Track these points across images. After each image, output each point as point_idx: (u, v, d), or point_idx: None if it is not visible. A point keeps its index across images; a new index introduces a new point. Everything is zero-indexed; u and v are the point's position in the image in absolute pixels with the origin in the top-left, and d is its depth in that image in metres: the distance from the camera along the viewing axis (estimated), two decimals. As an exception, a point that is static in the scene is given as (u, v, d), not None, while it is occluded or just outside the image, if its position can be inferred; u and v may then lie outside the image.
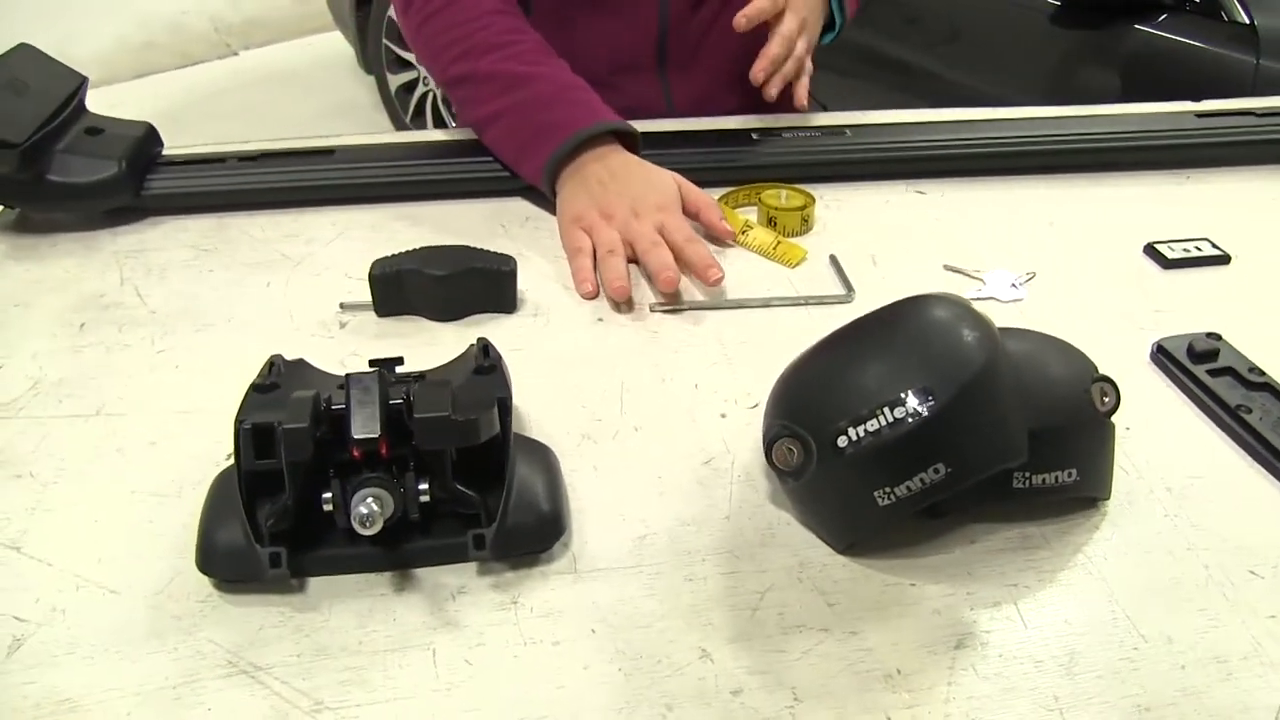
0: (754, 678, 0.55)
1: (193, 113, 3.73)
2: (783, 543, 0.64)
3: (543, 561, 0.62)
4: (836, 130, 1.06)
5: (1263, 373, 0.77)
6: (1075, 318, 0.85)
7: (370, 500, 0.58)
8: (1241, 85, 1.31)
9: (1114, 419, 0.66)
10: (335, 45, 3.88)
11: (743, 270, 0.90)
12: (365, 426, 0.58)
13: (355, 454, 0.59)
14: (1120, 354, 0.80)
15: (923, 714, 0.54)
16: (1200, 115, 1.12)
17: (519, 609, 0.59)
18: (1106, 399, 0.66)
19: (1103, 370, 0.66)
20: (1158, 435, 0.73)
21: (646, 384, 0.77)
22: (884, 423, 0.58)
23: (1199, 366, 0.78)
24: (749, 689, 0.55)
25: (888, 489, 0.59)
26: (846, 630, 0.58)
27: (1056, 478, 0.63)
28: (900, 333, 0.62)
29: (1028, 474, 0.62)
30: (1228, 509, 0.67)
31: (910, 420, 0.58)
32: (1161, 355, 0.80)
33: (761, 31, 1.04)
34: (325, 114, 3.65)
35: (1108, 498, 0.67)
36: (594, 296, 0.86)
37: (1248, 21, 1.67)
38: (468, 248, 0.85)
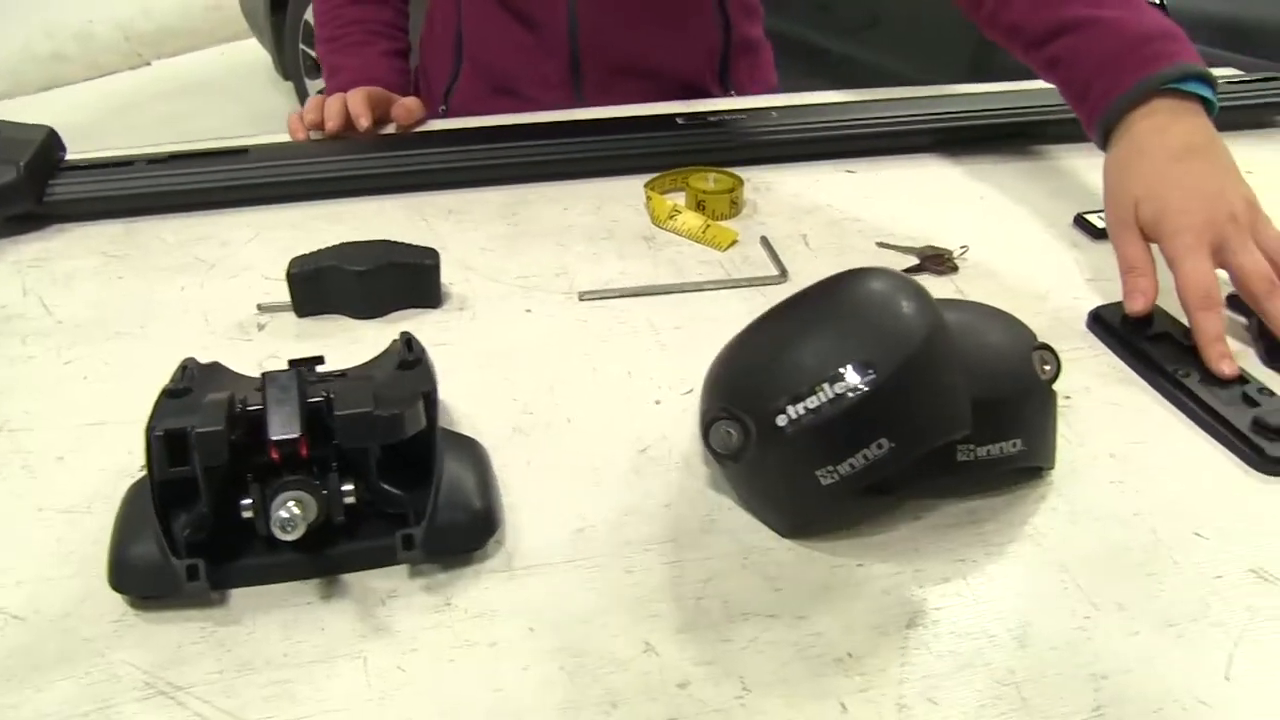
0: (701, 669, 0.53)
1: (106, 125, 3.65)
2: (725, 529, 0.62)
3: (476, 560, 0.60)
4: (763, 112, 1.04)
5: (1200, 337, 0.76)
6: (1009, 289, 0.84)
7: (291, 504, 0.55)
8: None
9: (1056, 389, 0.64)
10: (251, 52, 3.81)
11: (673, 255, 0.88)
12: (284, 426, 0.56)
13: (274, 456, 0.56)
14: (1055, 324, 0.80)
15: (876, 696, 0.52)
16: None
17: (453, 611, 0.57)
18: (1048, 367, 0.64)
19: (1046, 338, 0.65)
20: (1098, 403, 0.72)
21: (577, 374, 0.74)
22: (824, 399, 0.56)
23: (1135, 333, 0.77)
24: (696, 680, 0.53)
25: (830, 467, 0.57)
26: (794, 615, 0.56)
27: (1001, 449, 0.61)
28: (837, 307, 0.61)
29: (972, 446, 0.61)
30: (1171, 473, 0.66)
31: (851, 395, 0.56)
32: (1097, 323, 0.79)
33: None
34: (244, 122, 3.58)
35: (1052, 467, 0.66)
36: None
37: (1158, 2, 1.69)
38: (388, 242, 0.82)
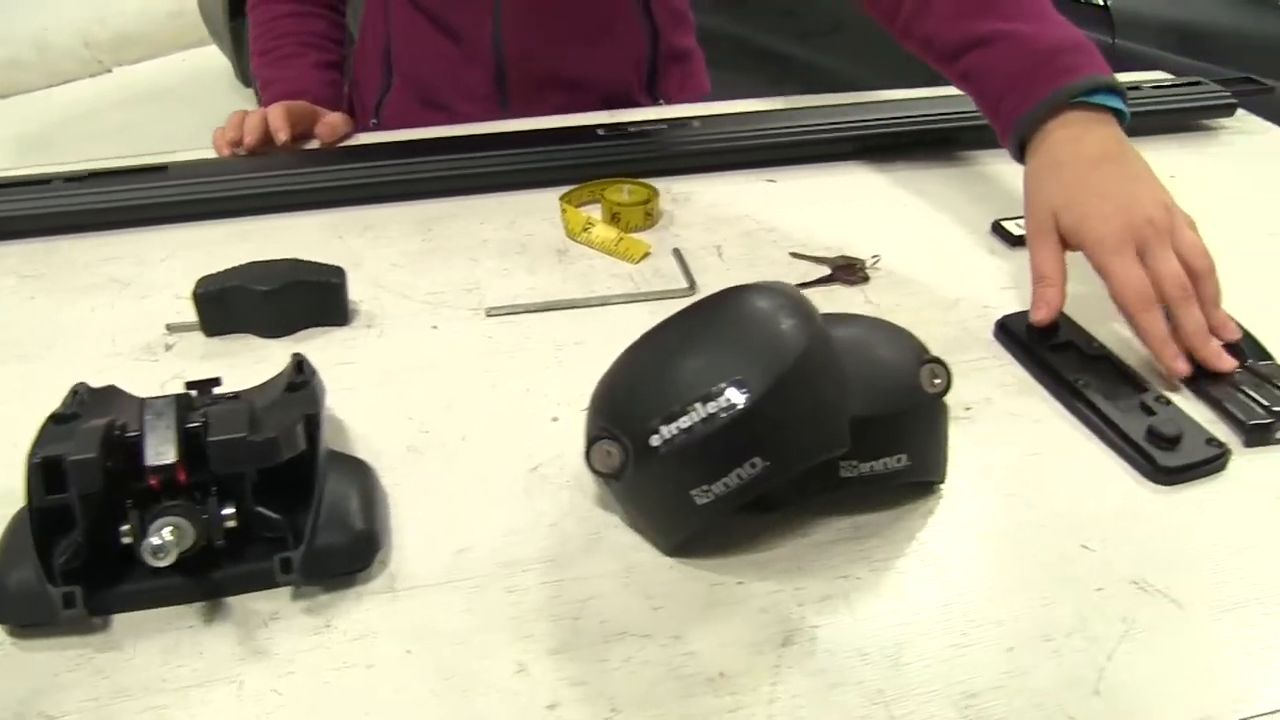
0: (572, 689, 0.53)
1: (65, 133, 3.61)
2: (609, 547, 0.62)
3: (359, 581, 0.60)
4: (684, 122, 1.04)
5: (1103, 346, 0.77)
6: (919, 298, 0.85)
7: (165, 530, 0.55)
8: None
9: (956, 401, 0.65)
10: (213, 59, 3.78)
11: (584, 269, 0.88)
12: (159, 453, 0.56)
13: (153, 482, 0.56)
14: (963, 333, 0.80)
15: (745, 716, 0.52)
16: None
17: (332, 633, 0.57)
18: (937, 381, 0.64)
19: (946, 350, 0.65)
20: (998, 414, 0.72)
21: (478, 391, 0.74)
22: (696, 419, 0.56)
23: (1040, 342, 0.77)
24: (566, 702, 0.53)
25: (705, 487, 0.57)
26: (670, 635, 0.56)
27: (886, 464, 0.61)
28: (717, 324, 0.61)
29: (855, 463, 0.61)
30: (1063, 485, 0.66)
31: (723, 415, 0.56)
32: (1003, 333, 0.79)
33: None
34: (205, 129, 3.54)
35: (943, 481, 0.66)
36: None
37: (1102, 3, 1.71)
38: (296, 261, 0.82)
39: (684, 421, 0.56)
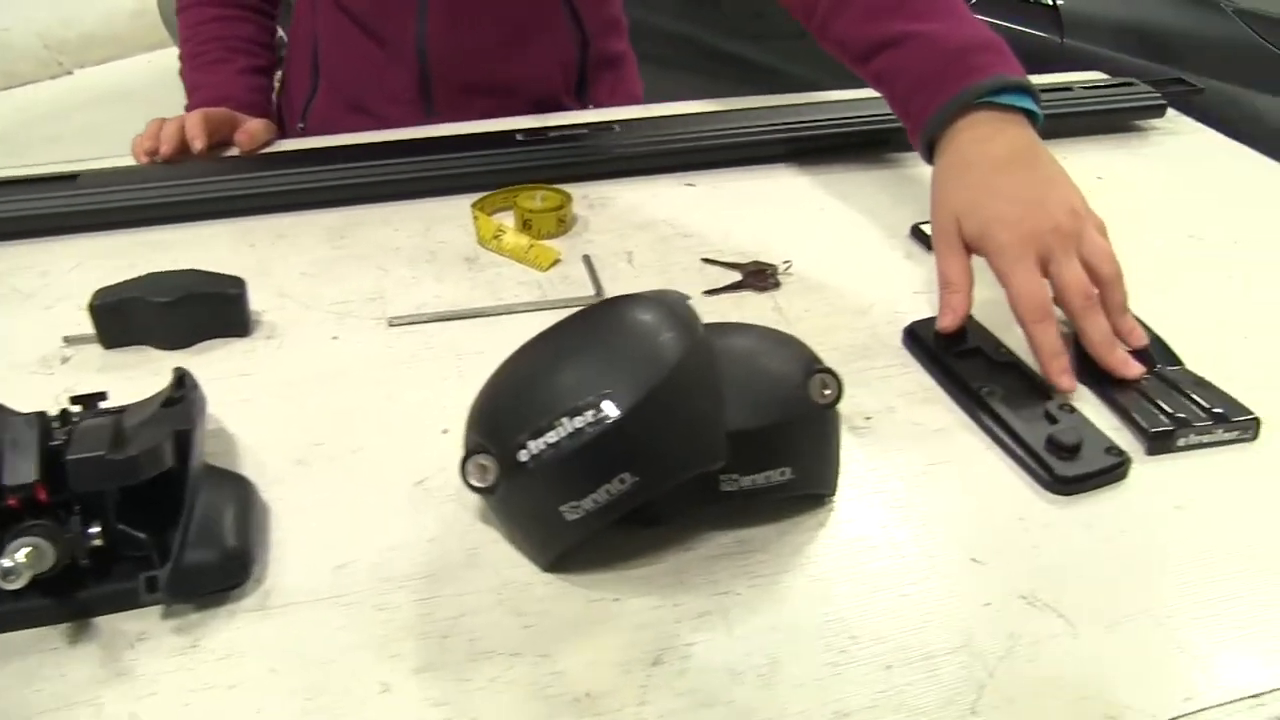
0: (434, 710, 0.52)
1: (24, 135, 3.57)
2: (487, 563, 0.60)
3: (233, 599, 0.58)
4: (606, 127, 1.03)
5: (1011, 353, 0.76)
6: (830, 304, 0.83)
7: (20, 552, 0.53)
8: (1047, 63, 1.31)
9: (856, 410, 0.64)
10: (175, 60, 3.74)
11: (492, 277, 0.87)
12: (17, 473, 0.54)
13: (12, 502, 0.55)
14: (872, 340, 0.79)
15: (609, 738, 0.51)
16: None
17: (198, 652, 0.55)
18: (827, 391, 0.63)
19: (852, 357, 0.64)
20: (899, 423, 0.71)
21: (373, 402, 0.73)
22: (564, 433, 0.55)
23: (947, 349, 0.76)
24: (427, 724, 0.52)
25: (574, 503, 0.56)
26: (539, 653, 0.55)
27: (768, 478, 0.60)
28: (592, 336, 0.60)
29: (736, 476, 0.60)
30: (959, 496, 0.65)
31: (590, 429, 0.55)
32: (911, 339, 0.78)
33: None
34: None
35: (833, 493, 0.64)
36: None
37: (1051, 3, 1.70)
38: (196, 271, 0.81)
39: (551, 436, 0.55)
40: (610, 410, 0.55)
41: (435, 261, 0.89)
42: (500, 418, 0.59)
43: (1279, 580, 0.59)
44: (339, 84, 1.20)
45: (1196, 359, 0.76)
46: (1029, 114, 0.85)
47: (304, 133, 1.23)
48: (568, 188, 0.97)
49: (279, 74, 1.30)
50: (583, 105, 1.25)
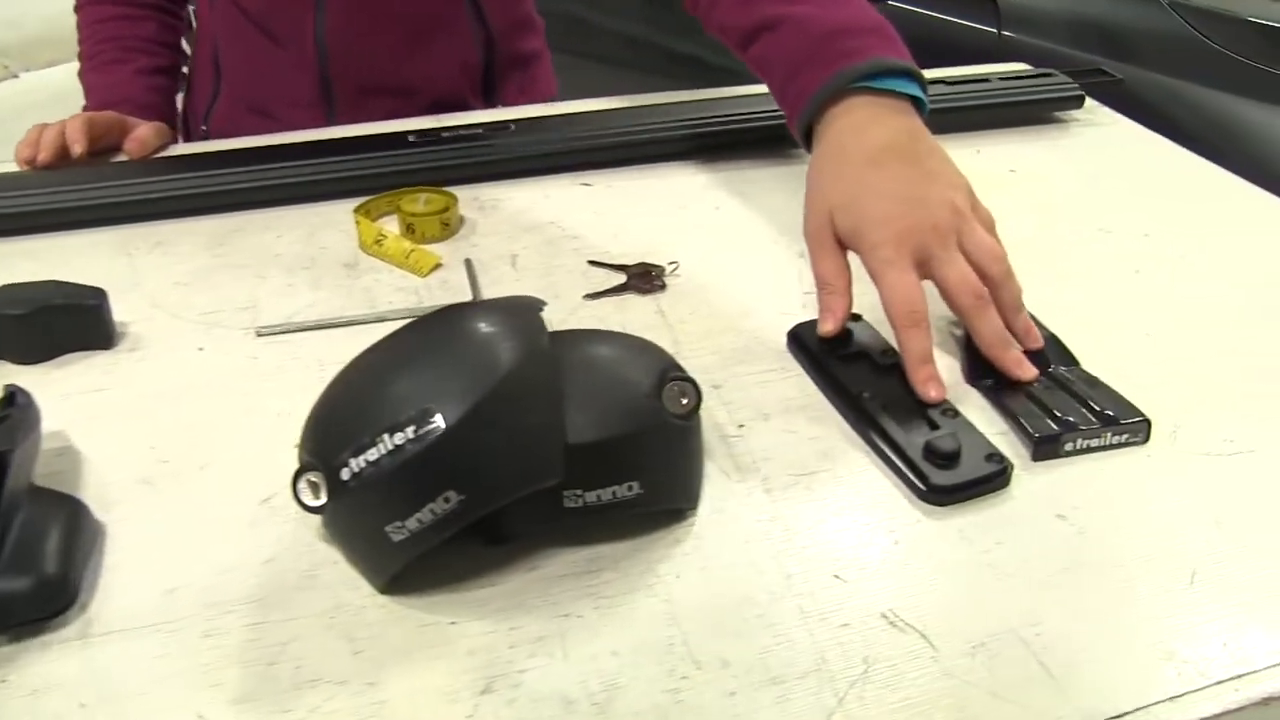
0: (246, 745, 0.49)
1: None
2: (324, 585, 0.57)
3: (51, 629, 0.55)
4: (501, 127, 1.00)
5: (897, 355, 0.73)
6: (714, 307, 0.81)
7: None
8: (984, 55, 1.30)
9: (729, 418, 0.62)
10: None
11: (370, 283, 0.84)
12: None
13: None
14: (754, 343, 0.76)
15: (426, 773, 0.48)
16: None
17: (7, 687, 0.52)
18: (685, 400, 0.60)
19: (733, 362, 0.61)
20: (773, 431, 0.68)
21: (230, 416, 0.70)
22: (384, 451, 0.52)
23: (830, 353, 0.73)
24: (236, 759, 0.49)
25: (399, 523, 0.53)
26: (366, 681, 0.52)
27: (615, 493, 0.57)
28: (422, 347, 0.57)
29: (580, 492, 0.57)
30: (828, 508, 0.62)
31: (410, 446, 0.52)
32: (794, 343, 0.75)
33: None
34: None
35: (693, 508, 0.62)
36: None
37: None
38: (55, 282, 0.77)
39: (372, 453, 0.53)
40: (433, 425, 0.52)
41: (314, 268, 0.86)
42: (325, 433, 0.56)
43: (1156, 593, 0.57)
44: (239, 86, 1.17)
45: (1095, 358, 0.73)
46: (915, 102, 0.81)
47: (207, 136, 1.20)
48: (460, 190, 0.94)
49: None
50: (490, 106, 1.22)
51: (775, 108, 0.99)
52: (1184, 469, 0.65)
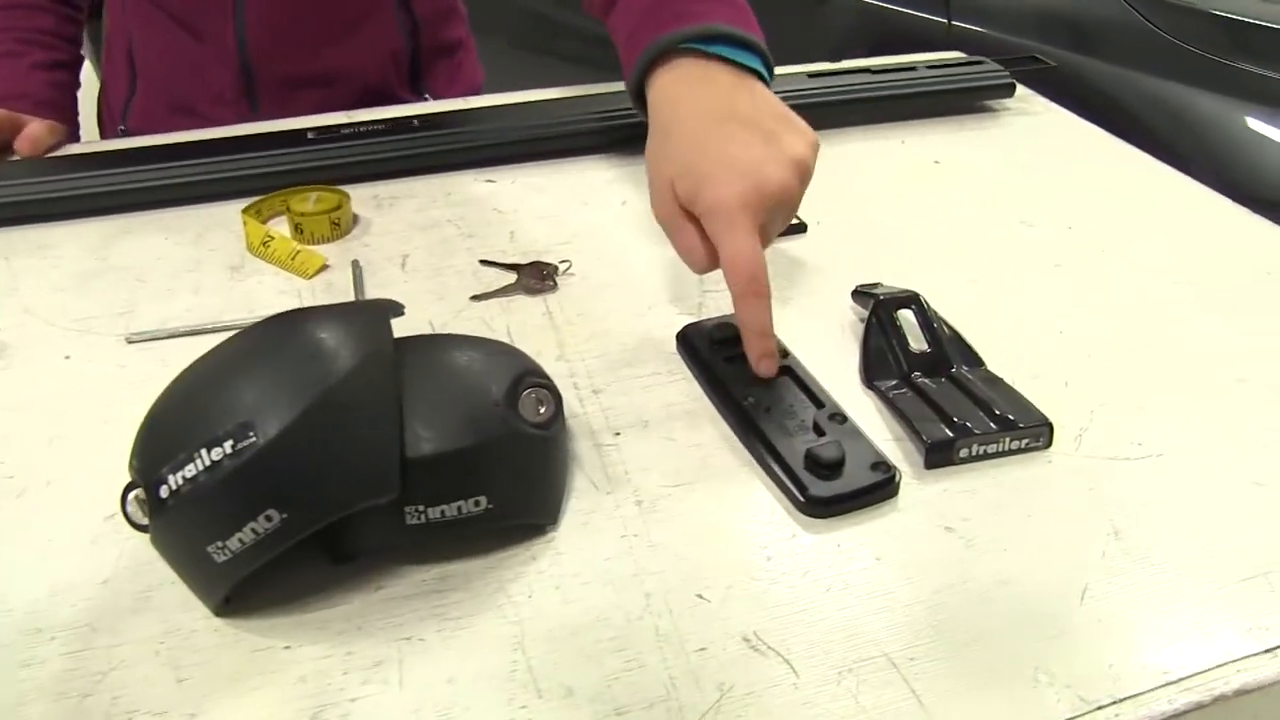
0: (46, 787, 0.46)
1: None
2: (157, 608, 0.54)
3: None
4: (405, 122, 0.97)
5: (790, 355, 0.69)
6: (606, 306, 0.78)
7: None
8: (934, 46, 1.27)
9: (605, 425, 0.61)
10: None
11: (253, 287, 0.80)
12: None
13: None
14: (644, 345, 0.73)
15: (232, 813, 0.45)
16: (812, 76, 1.04)
17: None
18: (543, 409, 0.57)
19: (619, 364, 0.58)
20: (651, 439, 0.65)
21: (87, 428, 0.67)
22: (201, 467, 0.49)
23: (718, 354, 0.70)
24: (30, 803, 0.45)
25: (219, 543, 0.50)
26: (186, 712, 0.49)
27: (460, 509, 0.54)
28: (251, 356, 0.53)
29: (421, 507, 0.53)
30: (699, 522, 0.59)
31: (228, 463, 0.49)
32: (683, 344, 0.72)
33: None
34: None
35: (552, 522, 0.58)
36: None
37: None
38: (-84, 289, 0.74)
39: (190, 470, 0.49)
40: (252, 439, 0.49)
41: (198, 271, 0.82)
42: (145, 448, 0.52)
43: (1043, 611, 0.54)
44: (157, 83, 1.13)
45: (1003, 357, 0.70)
46: (757, 76, 0.76)
47: (125, 135, 1.16)
48: (359, 188, 0.90)
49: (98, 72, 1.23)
50: (418, 96, 1.18)
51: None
52: (1086, 475, 0.62)
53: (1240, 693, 0.50)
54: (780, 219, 0.68)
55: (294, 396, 0.50)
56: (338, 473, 0.50)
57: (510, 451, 0.55)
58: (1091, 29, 1.52)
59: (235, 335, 0.55)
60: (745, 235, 0.65)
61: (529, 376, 0.57)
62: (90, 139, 1.15)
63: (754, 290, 0.65)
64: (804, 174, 0.69)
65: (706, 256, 0.68)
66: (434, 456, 0.53)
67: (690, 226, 0.68)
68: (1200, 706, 0.50)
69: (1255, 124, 1.39)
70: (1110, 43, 1.48)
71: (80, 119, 1.16)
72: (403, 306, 0.59)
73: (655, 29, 0.76)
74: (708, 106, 0.72)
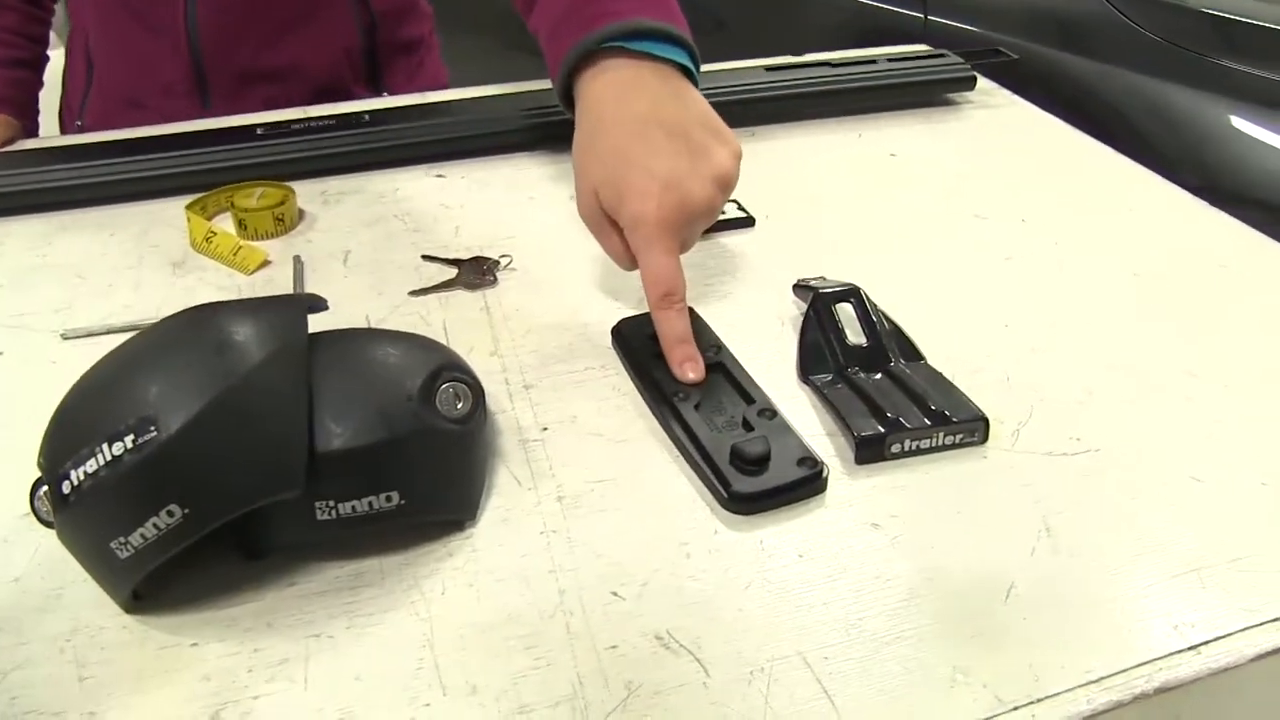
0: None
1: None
2: (67, 605, 0.54)
3: None
4: (355, 118, 0.96)
5: (722, 350, 0.69)
6: (548, 302, 0.77)
7: None
8: (913, 40, 1.25)
9: (534, 420, 0.61)
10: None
11: (194, 283, 0.79)
12: None
13: None
14: (579, 340, 0.72)
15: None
16: (770, 69, 1.04)
17: None
18: (461, 404, 0.56)
19: (553, 360, 0.58)
20: (579, 434, 0.64)
21: (13, 424, 0.66)
22: (102, 462, 0.48)
23: (649, 349, 0.69)
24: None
25: (122, 539, 0.49)
26: (85, 712, 0.48)
27: (372, 504, 0.53)
28: (161, 349, 0.53)
29: (332, 502, 0.53)
30: (620, 518, 0.58)
31: (128, 457, 0.48)
32: (617, 339, 0.71)
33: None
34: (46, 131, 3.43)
35: (471, 518, 0.58)
36: None
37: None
38: None
39: (91, 465, 0.49)
40: (153, 434, 0.48)
41: (140, 267, 0.82)
42: (53, 444, 0.52)
43: (965, 609, 0.53)
44: (112, 78, 1.13)
45: (945, 352, 0.69)
46: (685, 73, 0.75)
47: (81, 131, 1.15)
48: (307, 183, 0.90)
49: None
50: (376, 93, 1.18)
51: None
52: (1021, 471, 0.61)
53: (1161, 690, 0.49)
54: (700, 227, 0.69)
55: (199, 390, 0.49)
56: (242, 467, 0.50)
57: (424, 446, 0.55)
58: (1070, 24, 1.51)
59: (146, 329, 0.55)
60: (662, 253, 0.67)
61: (447, 371, 0.57)
62: (51, 134, 1.14)
63: (669, 304, 0.66)
64: (727, 187, 0.70)
65: (628, 260, 0.70)
66: (344, 451, 0.52)
67: (613, 231, 0.70)
68: (1119, 705, 0.49)
69: (1238, 122, 1.38)
70: (1088, 38, 1.47)
71: (46, 116, 1.16)
72: (325, 302, 0.59)
73: (580, 28, 0.75)
74: (633, 113, 0.71)
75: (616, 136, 0.70)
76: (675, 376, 0.66)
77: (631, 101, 0.72)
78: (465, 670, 0.50)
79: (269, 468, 0.50)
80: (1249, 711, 0.54)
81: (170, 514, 0.48)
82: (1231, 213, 0.87)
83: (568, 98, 0.78)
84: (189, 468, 0.49)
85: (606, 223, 0.70)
